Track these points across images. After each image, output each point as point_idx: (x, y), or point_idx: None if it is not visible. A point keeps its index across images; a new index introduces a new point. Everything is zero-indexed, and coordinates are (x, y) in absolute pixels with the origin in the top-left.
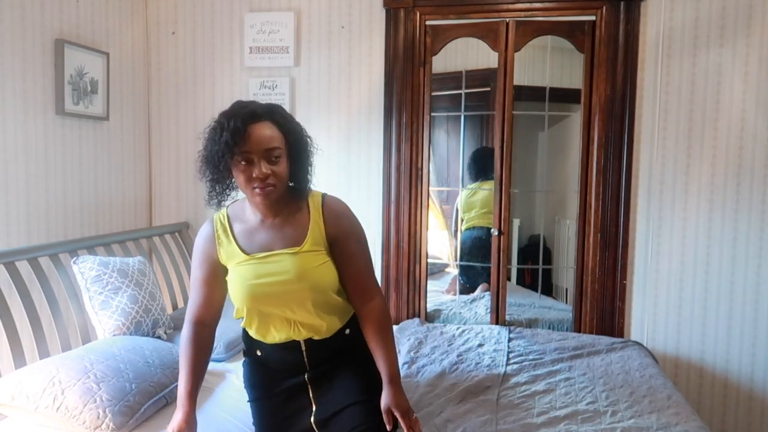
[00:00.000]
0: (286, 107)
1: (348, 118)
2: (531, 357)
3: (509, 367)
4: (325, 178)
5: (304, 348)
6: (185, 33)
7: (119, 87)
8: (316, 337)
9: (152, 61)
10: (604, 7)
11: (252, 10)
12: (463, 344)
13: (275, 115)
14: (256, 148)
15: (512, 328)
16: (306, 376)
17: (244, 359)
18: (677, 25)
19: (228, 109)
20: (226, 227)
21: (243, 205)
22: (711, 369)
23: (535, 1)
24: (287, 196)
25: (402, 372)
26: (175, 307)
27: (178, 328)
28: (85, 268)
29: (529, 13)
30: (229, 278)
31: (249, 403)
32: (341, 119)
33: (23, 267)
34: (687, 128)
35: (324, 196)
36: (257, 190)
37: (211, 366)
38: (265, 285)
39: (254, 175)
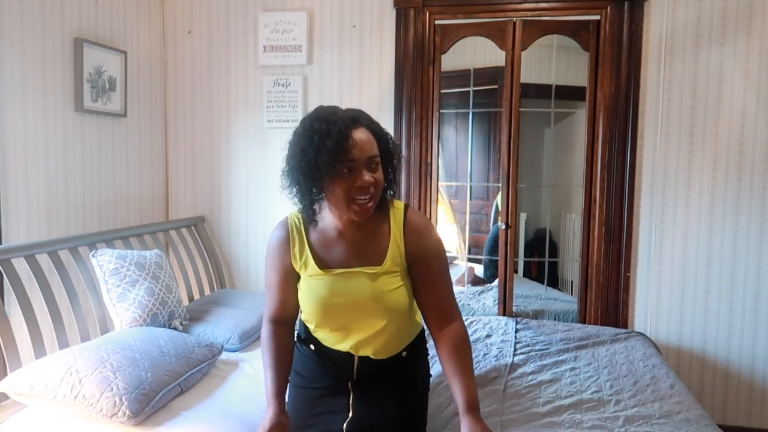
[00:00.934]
0: (299, 104)
1: None
2: (537, 347)
3: (516, 358)
4: None
5: (356, 362)
6: (201, 32)
7: (137, 84)
8: (372, 357)
9: (169, 60)
10: (609, 7)
11: (266, 9)
12: (472, 335)
13: (367, 120)
14: (360, 154)
15: (519, 319)
16: (350, 384)
17: (296, 344)
18: (680, 25)
19: (317, 115)
20: (302, 234)
21: (320, 214)
22: (712, 359)
23: (541, 1)
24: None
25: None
26: (191, 299)
27: (194, 319)
28: (104, 261)
29: (536, 12)
30: (300, 287)
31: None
32: None
33: (43, 260)
34: (689, 125)
35: (406, 209)
36: (356, 207)
37: (225, 356)
38: (337, 303)
39: (357, 184)
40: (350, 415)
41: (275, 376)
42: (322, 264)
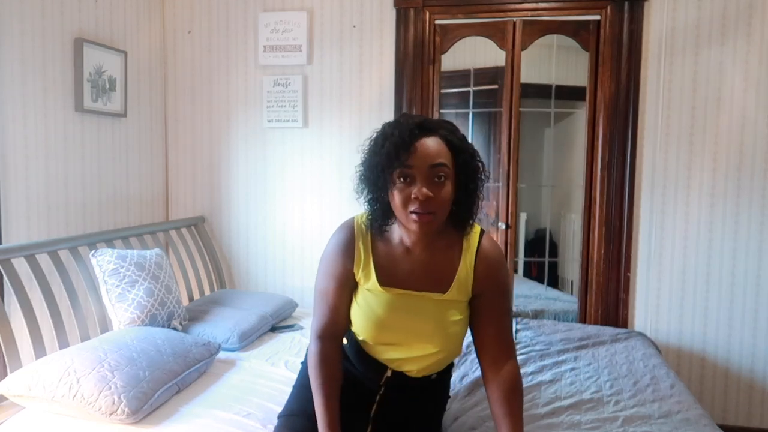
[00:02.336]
0: (299, 104)
1: (359, 115)
2: (537, 348)
3: (517, 358)
4: (337, 174)
5: (387, 374)
6: (201, 32)
7: (137, 85)
8: (406, 374)
9: (169, 60)
10: (609, 7)
11: (266, 9)
12: (471, 336)
13: (445, 130)
14: (420, 162)
15: (519, 319)
16: (379, 392)
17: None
18: (680, 25)
19: (395, 119)
20: (368, 241)
21: (390, 223)
22: (712, 359)
23: (541, 1)
24: (443, 226)
25: None
26: (191, 299)
27: (193, 319)
28: (103, 261)
29: (536, 12)
30: (356, 299)
31: (297, 380)
32: (353, 116)
33: (43, 260)
34: (689, 124)
35: (481, 235)
36: (414, 216)
37: (223, 355)
38: (393, 323)
39: (413, 195)
40: (372, 420)
41: (328, 404)
42: (386, 279)
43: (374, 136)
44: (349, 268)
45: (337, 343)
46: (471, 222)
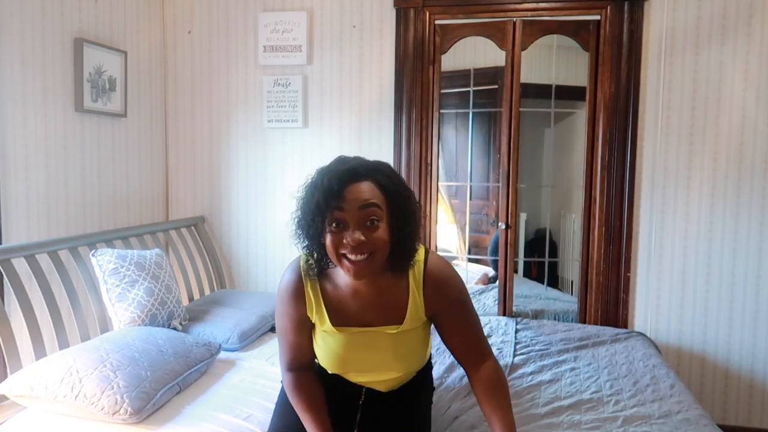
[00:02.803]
0: (299, 104)
1: (359, 115)
2: (537, 348)
3: (516, 358)
4: None
5: (364, 391)
6: (201, 32)
7: (137, 85)
8: (381, 390)
9: (169, 60)
10: (609, 7)
11: (266, 9)
12: None
13: (378, 174)
14: (350, 206)
15: (519, 319)
16: (358, 405)
17: None
18: (680, 25)
19: (325, 165)
20: (315, 286)
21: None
22: (712, 359)
23: (541, 1)
24: (385, 267)
25: None
26: (191, 299)
27: (193, 319)
28: (103, 260)
29: (536, 12)
30: (315, 338)
31: (278, 400)
32: (353, 116)
33: (43, 260)
34: (689, 125)
35: (426, 256)
36: (347, 263)
37: (224, 355)
38: (354, 358)
39: (345, 240)
40: (356, 424)
41: (316, 418)
42: (339, 320)
43: (307, 182)
44: (303, 311)
45: (308, 371)
46: (409, 265)
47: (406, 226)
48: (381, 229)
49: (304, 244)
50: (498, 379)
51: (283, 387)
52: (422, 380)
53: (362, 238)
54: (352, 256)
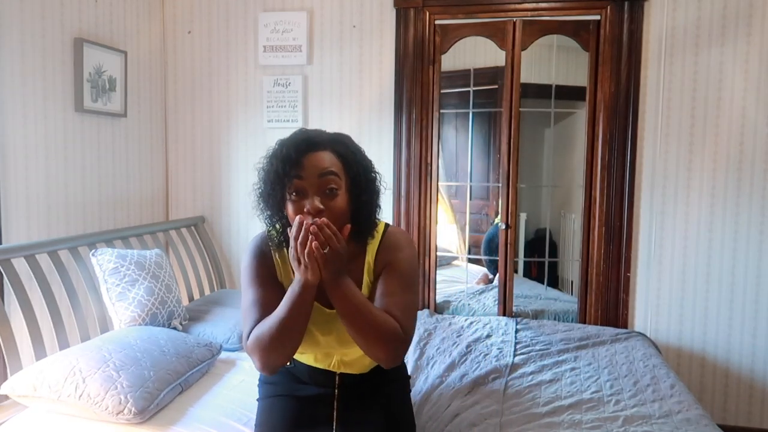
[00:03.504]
0: (299, 104)
1: (359, 115)
2: (537, 348)
3: (517, 358)
4: None
5: (337, 378)
6: (201, 32)
7: (137, 84)
8: (354, 373)
9: (169, 60)
10: (609, 7)
11: (266, 9)
12: (472, 335)
13: (337, 144)
14: (309, 174)
15: (519, 319)
16: (334, 395)
17: None
18: (680, 25)
19: (287, 137)
20: (282, 253)
21: None
22: (712, 359)
23: (541, 1)
24: (347, 238)
25: (411, 363)
26: (191, 298)
27: (193, 319)
28: (104, 260)
29: (536, 12)
30: None
31: (258, 402)
32: (353, 116)
33: (43, 260)
34: (689, 125)
35: (386, 228)
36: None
37: (224, 355)
38: (318, 337)
39: (305, 209)
40: (335, 425)
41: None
42: None
43: (268, 153)
44: (273, 272)
45: None
46: (370, 236)
47: (364, 194)
48: (340, 197)
49: (266, 214)
50: (388, 327)
51: (258, 408)
52: (391, 373)
53: (320, 206)
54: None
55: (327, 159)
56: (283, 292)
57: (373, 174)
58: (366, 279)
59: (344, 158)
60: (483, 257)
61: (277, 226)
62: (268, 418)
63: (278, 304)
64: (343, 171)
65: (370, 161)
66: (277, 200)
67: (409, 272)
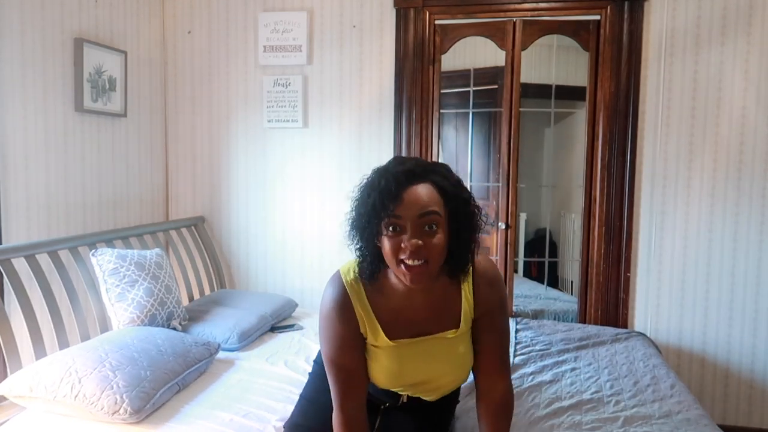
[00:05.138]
0: (299, 104)
1: (359, 115)
2: (538, 348)
3: (517, 358)
4: (338, 174)
5: (404, 399)
6: (201, 32)
7: (137, 84)
8: (423, 399)
9: (169, 60)
10: (609, 7)
11: (266, 9)
12: None
13: (436, 175)
14: (408, 213)
15: (519, 319)
16: (383, 407)
17: None
18: (680, 25)
19: (383, 165)
20: (363, 299)
21: (383, 272)
22: (712, 359)
23: (541, 1)
24: (440, 272)
25: None
26: (191, 298)
27: (193, 319)
28: (103, 260)
29: (536, 12)
30: (366, 353)
31: (310, 375)
32: (353, 116)
33: (43, 260)
34: (689, 125)
35: (474, 259)
36: (403, 268)
37: (223, 355)
38: (409, 371)
39: (403, 245)
40: (377, 424)
41: None
42: (393, 333)
43: (363, 182)
44: (354, 326)
45: (360, 410)
46: (466, 271)
47: (464, 230)
48: (439, 234)
49: (358, 246)
50: (508, 402)
51: (310, 379)
52: (449, 401)
53: (420, 243)
54: (409, 261)
55: (427, 194)
56: (363, 348)
57: (473, 208)
58: (465, 314)
59: (444, 191)
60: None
61: (368, 258)
62: (305, 419)
63: (361, 370)
64: (442, 205)
65: (470, 193)
66: (372, 233)
67: (507, 307)
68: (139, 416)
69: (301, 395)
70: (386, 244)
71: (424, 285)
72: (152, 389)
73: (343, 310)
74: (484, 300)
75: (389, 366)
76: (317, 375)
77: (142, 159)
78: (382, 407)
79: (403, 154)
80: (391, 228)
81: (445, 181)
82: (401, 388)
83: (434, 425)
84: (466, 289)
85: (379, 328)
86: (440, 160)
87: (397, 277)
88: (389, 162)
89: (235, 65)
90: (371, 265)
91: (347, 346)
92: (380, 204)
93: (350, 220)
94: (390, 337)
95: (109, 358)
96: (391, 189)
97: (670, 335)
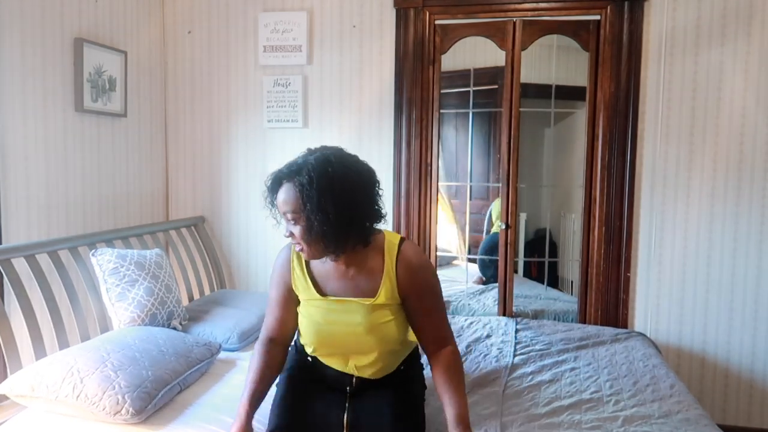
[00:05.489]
0: (299, 104)
1: (359, 115)
2: (537, 348)
3: (516, 358)
4: None
5: (354, 381)
6: (201, 32)
7: (137, 85)
8: (370, 377)
9: (169, 60)
10: (609, 7)
11: (266, 9)
12: (472, 335)
13: (301, 176)
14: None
15: (519, 319)
16: (348, 390)
17: (292, 348)
18: (680, 25)
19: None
20: (302, 260)
21: None
22: (712, 359)
23: (541, 1)
24: (355, 246)
25: None
26: (191, 298)
27: (193, 319)
28: (103, 260)
29: (536, 12)
30: (299, 310)
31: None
32: (353, 116)
33: (43, 260)
34: (689, 125)
35: (401, 243)
36: (297, 247)
37: (224, 355)
38: (333, 330)
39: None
40: (347, 411)
41: (250, 391)
42: (321, 289)
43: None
44: (288, 282)
45: (279, 347)
46: (364, 244)
47: (321, 221)
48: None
49: None
50: (454, 362)
51: (278, 384)
52: (409, 372)
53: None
54: (294, 244)
55: (285, 198)
56: (294, 296)
57: (326, 206)
58: (386, 287)
59: (303, 192)
60: (479, 258)
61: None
62: (283, 420)
63: (288, 306)
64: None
65: (327, 194)
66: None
67: (437, 287)
68: (140, 417)
69: (273, 401)
70: None
71: (317, 259)
72: (154, 390)
73: (285, 266)
74: (406, 283)
75: (316, 317)
76: (281, 381)
77: (142, 159)
78: (348, 394)
79: (404, 154)
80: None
81: (306, 178)
82: (327, 346)
83: (404, 399)
84: (389, 266)
85: (311, 284)
86: (440, 161)
87: None
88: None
89: (235, 65)
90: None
91: (282, 294)
92: (270, 201)
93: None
94: (318, 292)
95: (110, 358)
96: (269, 188)
97: (670, 335)
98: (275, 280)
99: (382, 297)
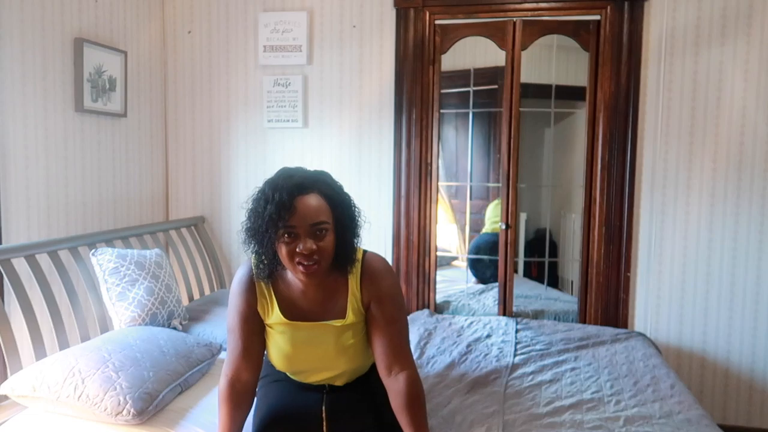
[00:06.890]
0: (299, 104)
1: (359, 115)
2: (538, 348)
3: (517, 358)
4: (337, 174)
5: (327, 388)
6: (201, 32)
7: (137, 85)
8: (341, 385)
9: (169, 60)
10: (609, 7)
11: (266, 9)
12: (472, 335)
13: (322, 185)
14: (301, 222)
15: (519, 319)
16: (323, 396)
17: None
18: (680, 25)
19: (273, 178)
20: (267, 282)
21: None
22: (712, 359)
23: (541, 1)
24: (330, 268)
25: None
26: (191, 298)
27: (193, 319)
28: (104, 260)
29: (536, 12)
30: (267, 336)
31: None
32: (353, 116)
33: (43, 260)
34: (689, 125)
35: (364, 255)
36: (301, 268)
37: (224, 355)
38: (301, 356)
39: (298, 250)
40: (324, 403)
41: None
42: (288, 314)
43: (256, 195)
44: (254, 305)
45: (246, 384)
46: (350, 267)
47: (349, 232)
48: (329, 238)
49: (255, 251)
50: (413, 389)
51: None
52: (376, 381)
53: (314, 247)
54: (305, 262)
55: (316, 204)
56: (259, 320)
57: (354, 210)
58: (352, 305)
59: (330, 199)
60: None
61: (265, 260)
62: (263, 395)
63: (253, 334)
64: (329, 213)
65: (350, 197)
66: (270, 240)
67: (399, 298)
68: (142, 418)
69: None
70: (283, 250)
71: (317, 280)
72: (155, 390)
73: (248, 288)
74: (368, 290)
75: (283, 346)
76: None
77: (142, 159)
78: (325, 393)
79: (404, 154)
80: (287, 235)
81: (330, 189)
82: (297, 371)
83: (383, 391)
84: (353, 283)
85: (277, 308)
86: (440, 161)
87: (293, 275)
88: (278, 175)
89: (235, 65)
90: (269, 267)
91: (244, 321)
92: (276, 215)
93: (246, 230)
94: (285, 316)
95: (112, 359)
96: (284, 201)
97: (670, 335)
98: (236, 303)
99: (350, 316)
